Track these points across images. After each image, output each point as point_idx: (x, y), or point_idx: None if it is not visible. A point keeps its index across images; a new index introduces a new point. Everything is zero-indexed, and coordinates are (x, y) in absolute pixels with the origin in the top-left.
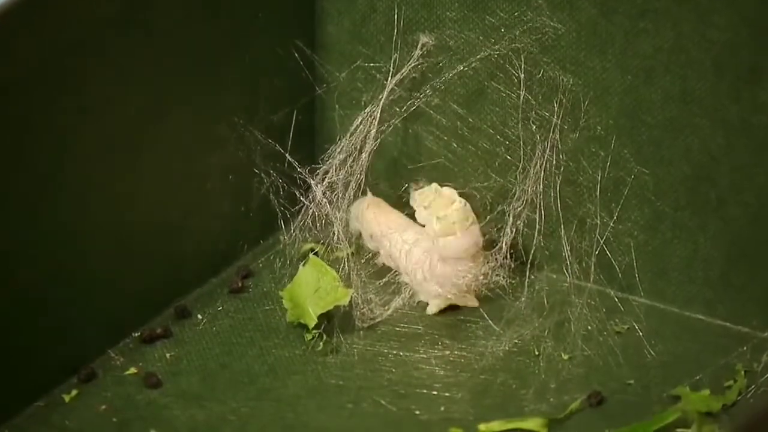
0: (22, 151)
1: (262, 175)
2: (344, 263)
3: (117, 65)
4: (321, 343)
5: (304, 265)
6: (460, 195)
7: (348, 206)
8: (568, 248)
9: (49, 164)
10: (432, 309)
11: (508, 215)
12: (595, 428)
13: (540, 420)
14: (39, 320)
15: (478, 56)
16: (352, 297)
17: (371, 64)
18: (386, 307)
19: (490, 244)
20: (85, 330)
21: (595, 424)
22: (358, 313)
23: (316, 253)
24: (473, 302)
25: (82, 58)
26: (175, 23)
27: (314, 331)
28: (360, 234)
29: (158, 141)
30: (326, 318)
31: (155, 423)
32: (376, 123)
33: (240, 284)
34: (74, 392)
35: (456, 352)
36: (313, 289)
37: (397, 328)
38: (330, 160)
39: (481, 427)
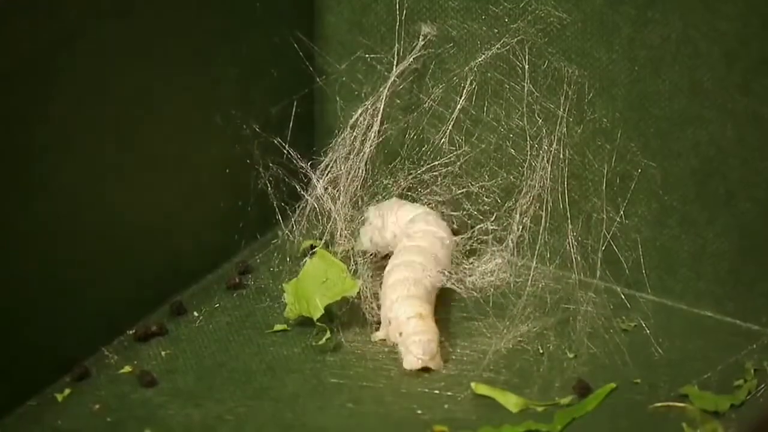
0: (13, 145)
1: (260, 168)
2: (351, 258)
3: (111, 57)
4: (323, 338)
5: (311, 257)
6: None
7: (349, 200)
8: (574, 244)
9: (41, 158)
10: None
11: (515, 212)
12: (597, 428)
13: (517, 400)
14: (31, 318)
15: (481, 47)
16: (360, 290)
17: (372, 55)
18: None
19: (496, 241)
20: (78, 327)
21: (601, 424)
22: (367, 306)
23: (314, 250)
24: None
25: (74, 49)
26: (171, 13)
27: (320, 324)
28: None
29: (153, 134)
30: (329, 316)
31: (150, 423)
32: (379, 116)
33: (237, 280)
34: (67, 391)
35: (459, 350)
36: (321, 280)
37: None
38: (331, 154)
39: (472, 384)
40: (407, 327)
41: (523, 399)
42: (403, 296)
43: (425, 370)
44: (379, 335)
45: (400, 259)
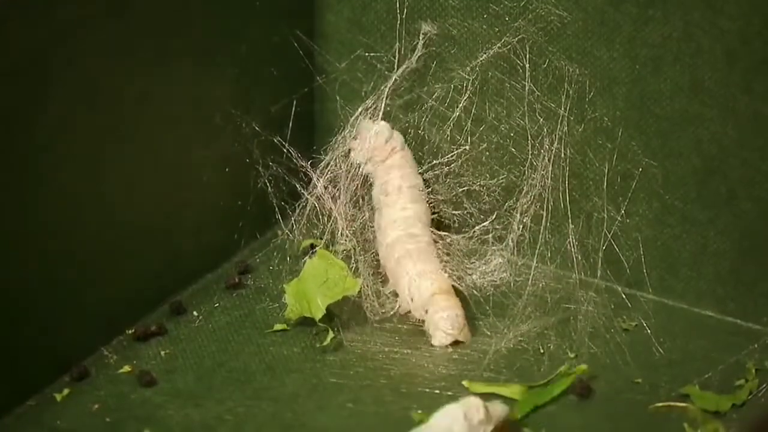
0: (12, 145)
1: (260, 167)
2: (352, 257)
3: (108, 54)
4: (328, 338)
5: (311, 257)
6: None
7: (350, 199)
8: (575, 243)
9: (40, 158)
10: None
11: (516, 211)
12: (598, 428)
13: (519, 387)
14: (30, 317)
15: (481, 46)
16: (361, 289)
17: (372, 54)
18: (396, 301)
19: (497, 241)
20: (77, 327)
21: (601, 424)
22: (368, 305)
23: (314, 249)
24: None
25: (73, 49)
26: (170, 12)
27: (322, 325)
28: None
29: (152, 132)
30: (329, 316)
31: (149, 423)
32: (380, 115)
33: (237, 280)
34: (66, 391)
35: (459, 350)
36: (322, 280)
37: (399, 325)
38: (331, 152)
39: (465, 382)
40: (432, 304)
41: (523, 385)
42: (419, 271)
43: (455, 344)
44: (404, 308)
45: (396, 232)
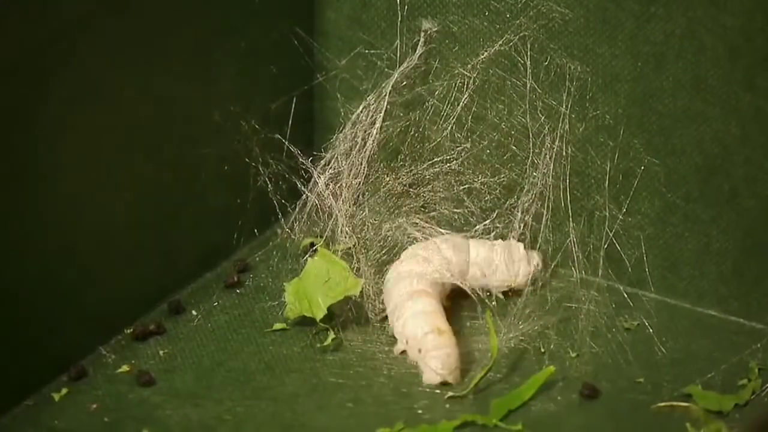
0: (11, 144)
1: (259, 166)
2: (353, 256)
3: (108, 52)
4: (329, 339)
5: (312, 257)
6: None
7: (351, 196)
8: (576, 242)
9: (37, 156)
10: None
11: (517, 210)
12: (600, 428)
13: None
14: (28, 317)
15: (483, 44)
16: (363, 289)
17: (372, 51)
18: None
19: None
20: (75, 326)
21: (603, 424)
22: (370, 305)
23: (314, 248)
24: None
25: (72, 46)
26: (170, 9)
27: (322, 325)
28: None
29: (150, 130)
30: (329, 316)
31: (148, 422)
32: (382, 113)
33: (236, 279)
34: (64, 391)
35: (459, 350)
36: (323, 280)
37: None
38: (332, 150)
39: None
40: (425, 343)
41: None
42: (418, 311)
43: (444, 383)
44: (399, 348)
45: (405, 267)
